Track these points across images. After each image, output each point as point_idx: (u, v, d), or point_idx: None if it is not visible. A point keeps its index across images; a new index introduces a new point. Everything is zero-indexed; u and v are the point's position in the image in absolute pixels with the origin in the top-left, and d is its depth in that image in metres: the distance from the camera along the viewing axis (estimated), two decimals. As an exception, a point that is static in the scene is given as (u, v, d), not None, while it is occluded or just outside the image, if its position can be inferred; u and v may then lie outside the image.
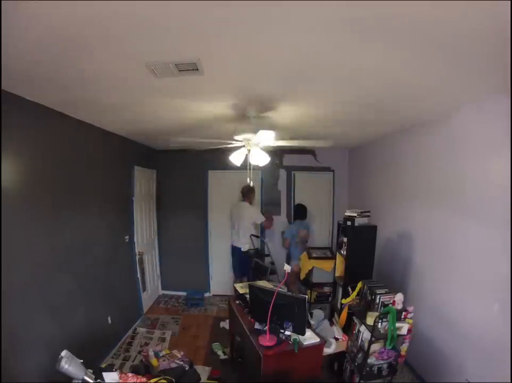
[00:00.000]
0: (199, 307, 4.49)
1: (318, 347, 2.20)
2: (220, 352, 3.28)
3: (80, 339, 2.50)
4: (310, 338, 2.19)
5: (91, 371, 1.51)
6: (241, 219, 4.22)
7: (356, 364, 2.46)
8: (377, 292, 2.46)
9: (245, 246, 4.22)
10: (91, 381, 1.47)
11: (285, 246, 4.43)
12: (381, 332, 2.29)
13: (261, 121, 2.61)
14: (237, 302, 2.83)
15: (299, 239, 4.29)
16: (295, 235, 4.27)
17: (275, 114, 2.54)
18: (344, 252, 3.06)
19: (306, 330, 2.16)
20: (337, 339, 2.57)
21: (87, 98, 2.13)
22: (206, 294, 4.87)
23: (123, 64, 1.58)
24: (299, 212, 4.42)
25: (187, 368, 2.49)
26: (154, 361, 2.66)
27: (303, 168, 4.82)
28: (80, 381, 1.44)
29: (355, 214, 2.97)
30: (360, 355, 2.44)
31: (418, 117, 2.68)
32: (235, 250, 4.31)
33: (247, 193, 4.28)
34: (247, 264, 3.95)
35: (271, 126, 2.79)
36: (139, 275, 4.11)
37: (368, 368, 2.35)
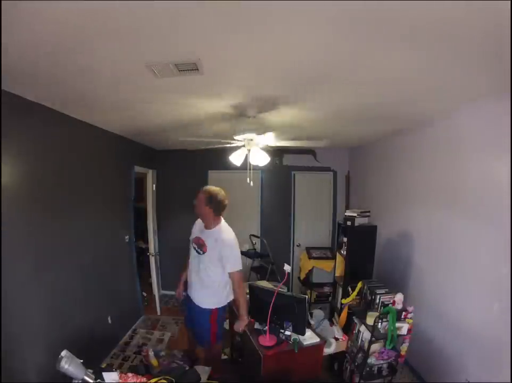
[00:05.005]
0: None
1: (318, 347, 2.19)
2: (220, 352, 3.27)
3: (80, 339, 2.49)
4: (310, 338, 2.19)
5: (91, 371, 1.51)
6: None
7: (356, 364, 2.46)
8: (377, 292, 2.46)
9: None
10: (91, 381, 1.46)
11: None
12: (381, 332, 2.29)
13: (261, 120, 2.61)
14: (237, 302, 2.82)
15: None
16: None
17: (276, 114, 2.53)
18: (344, 252, 3.06)
19: (306, 330, 2.15)
20: (337, 339, 2.56)
21: (86, 98, 2.13)
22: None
23: (123, 64, 1.58)
24: None
25: (187, 368, 2.49)
26: (154, 361, 2.66)
27: (303, 168, 4.82)
28: (80, 381, 1.44)
29: (355, 214, 2.97)
30: (360, 355, 2.44)
31: (418, 117, 2.68)
32: None
33: None
34: None
35: (270, 127, 2.80)
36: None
37: (368, 368, 2.35)
